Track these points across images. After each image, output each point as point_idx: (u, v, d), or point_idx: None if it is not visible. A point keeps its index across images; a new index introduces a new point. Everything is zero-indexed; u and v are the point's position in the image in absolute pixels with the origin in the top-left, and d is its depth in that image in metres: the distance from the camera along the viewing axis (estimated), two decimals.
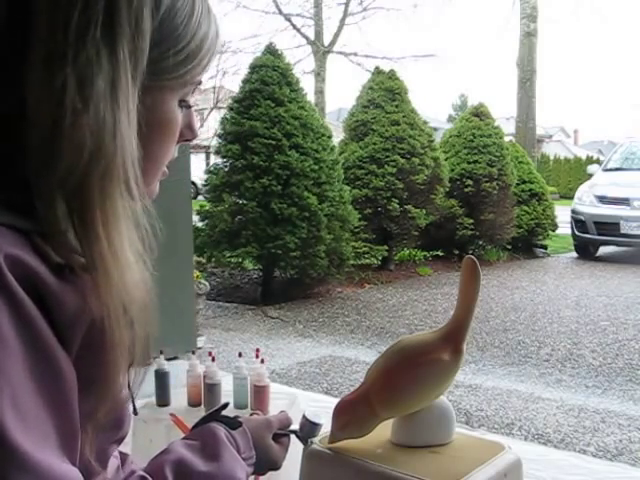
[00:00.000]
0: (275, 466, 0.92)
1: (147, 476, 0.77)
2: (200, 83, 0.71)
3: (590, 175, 10.53)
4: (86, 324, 0.57)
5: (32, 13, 0.56)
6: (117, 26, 0.58)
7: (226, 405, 0.91)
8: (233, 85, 17.15)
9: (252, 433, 0.87)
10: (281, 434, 0.93)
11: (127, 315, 0.59)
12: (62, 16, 0.56)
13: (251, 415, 0.92)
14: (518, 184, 9.01)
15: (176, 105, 0.68)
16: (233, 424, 0.85)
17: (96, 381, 0.59)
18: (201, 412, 1.90)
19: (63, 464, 0.53)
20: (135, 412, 0.72)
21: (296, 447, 1.10)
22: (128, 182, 0.58)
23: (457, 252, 8.42)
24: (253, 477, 0.97)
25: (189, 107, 0.72)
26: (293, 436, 0.96)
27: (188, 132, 0.72)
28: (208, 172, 6.27)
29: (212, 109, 15.33)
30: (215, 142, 6.45)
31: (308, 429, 0.94)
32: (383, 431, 1.10)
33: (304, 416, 0.94)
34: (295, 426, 0.95)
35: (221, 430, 0.83)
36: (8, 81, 0.57)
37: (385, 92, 7.51)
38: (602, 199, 9.04)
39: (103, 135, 0.56)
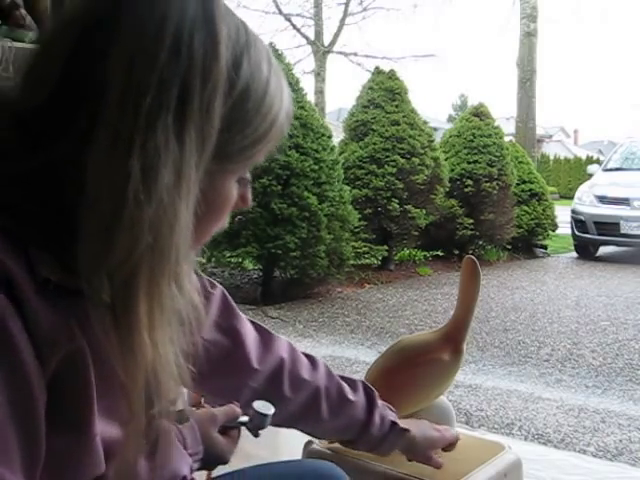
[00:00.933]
0: (223, 460, 0.89)
1: None
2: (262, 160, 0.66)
3: (590, 175, 10.52)
4: (65, 350, 0.54)
5: (102, 92, 0.51)
6: (188, 111, 0.53)
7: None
8: None
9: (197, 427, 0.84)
10: (230, 427, 0.91)
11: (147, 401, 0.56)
12: (134, 97, 0.51)
13: (197, 408, 0.90)
14: (518, 184, 9.00)
15: (234, 183, 0.64)
16: (181, 418, 0.83)
17: (68, 421, 0.56)
18: None
19: None
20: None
21: (296, 448, 1.10)
22: (178, 275, 0.55)
23: (457, 252, 8.42)
24: (206, 473, 0.94)
25: (246, 183, 0.67)
26: (243, 428, 0.93)
27: (241, 203, 0.68)
28: None
29: None
30: None
31: (257, 420, 0.91)
32: None
33: (252, 407, 0.91)
34: (244, 418, 0.93)
35: None
36: (66, 159, 0.53)
37: (385, 92, 7.51)
38: (602, 199, 9.03)
39: (161, 228, 0.52)
